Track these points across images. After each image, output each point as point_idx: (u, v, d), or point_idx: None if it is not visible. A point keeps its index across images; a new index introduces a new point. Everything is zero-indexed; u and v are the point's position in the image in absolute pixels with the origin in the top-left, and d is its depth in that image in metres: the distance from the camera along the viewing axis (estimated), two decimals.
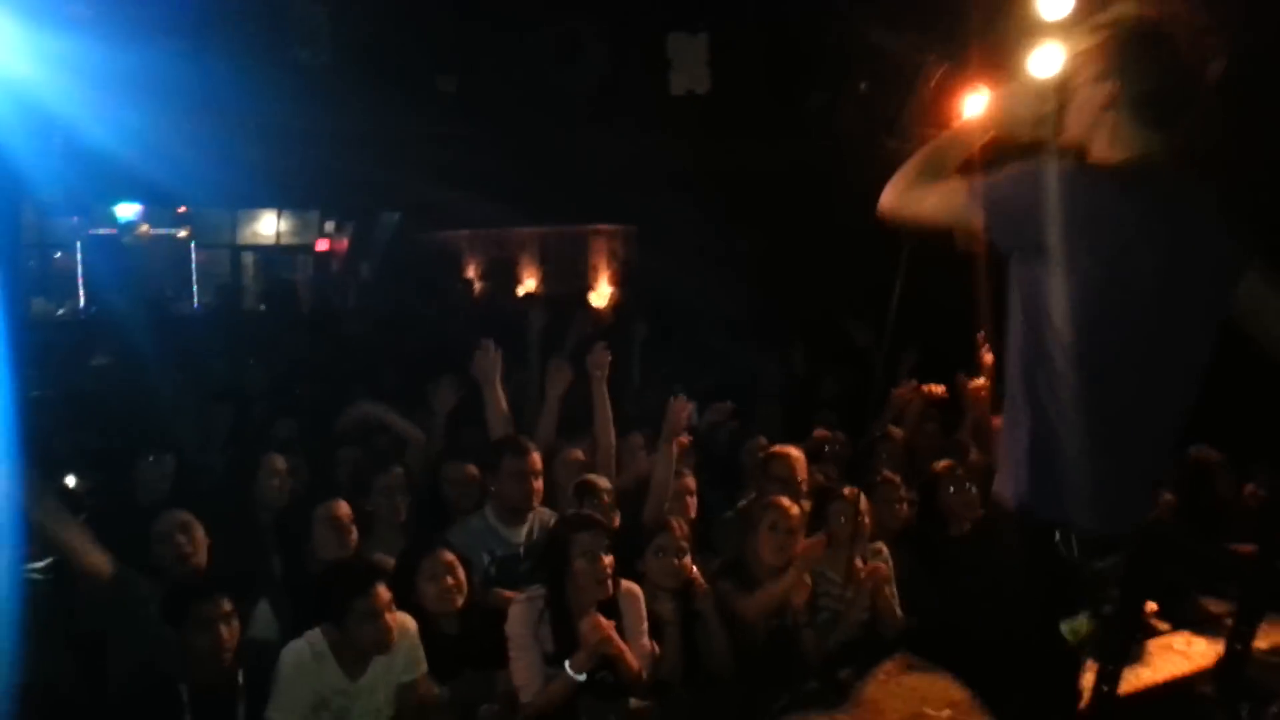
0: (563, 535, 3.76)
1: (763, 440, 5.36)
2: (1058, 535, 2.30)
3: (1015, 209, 2.20)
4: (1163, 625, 4.61)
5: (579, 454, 4.88)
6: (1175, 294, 2.19)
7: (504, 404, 4.82)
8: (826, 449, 5.55)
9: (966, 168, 2.42)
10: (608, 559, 3.68)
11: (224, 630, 3.30)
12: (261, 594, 3.83)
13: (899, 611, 4.48)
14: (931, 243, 2.52)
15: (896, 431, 5.72)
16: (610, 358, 4.91)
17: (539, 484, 4.42)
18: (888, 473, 5.02)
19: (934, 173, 2.38)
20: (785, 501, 4.27)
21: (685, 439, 4.83)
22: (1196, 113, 2.23)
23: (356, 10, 5.93)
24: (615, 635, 3.60)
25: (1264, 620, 3.97)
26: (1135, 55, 2.20)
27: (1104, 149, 2.26)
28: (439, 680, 3.68)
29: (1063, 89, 2.32)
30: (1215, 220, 2.25)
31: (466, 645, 3.78)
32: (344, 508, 4.10)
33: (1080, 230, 2.12)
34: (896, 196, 2.38)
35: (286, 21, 5.77)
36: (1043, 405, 2.26)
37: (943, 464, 5.11)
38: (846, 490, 4.55)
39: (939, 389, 5.91)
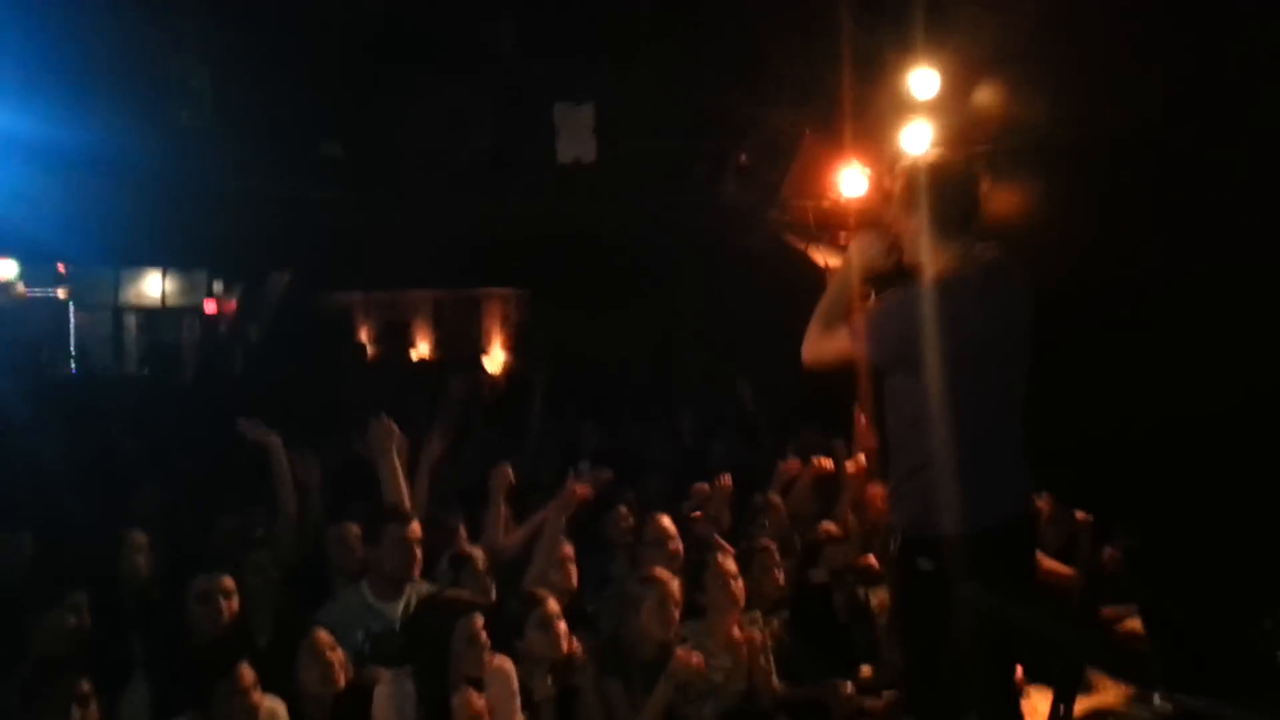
0: (438, 616, 3.73)
1: (623, 509, 5.37)
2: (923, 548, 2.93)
3: (884, 335, 2.95)
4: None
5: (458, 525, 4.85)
6: (1004, 344, 2.95)
7: (400, 478, 4.72)
8: (698, 512, 5.57)
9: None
10: (484, 636, 3.67)
11: (77, 712, 3.16)
12: (131, 673, 3.70)
13: (774, 680, 4.53)
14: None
15: (777, 500, 5.80)
16: (511, 477, 4.80)
17: (419, 554, 4.36)
18: (765, 540, 5.08)
19: (830, 322, 3.09)
20: (665, 574, 4.28)
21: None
22: (980, 217, 2.97)
23: (239, 74, 5.93)
24: (486, 714, 3.57)
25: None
26: (925, 190, 2.93)
27: (932, 261, 2.95)
28: None
29: (892, 230, 3.04)
30: (1023, 285, 3.01)
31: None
32: (217, 582, 3.99)
33: (944, 330, 2.85)
34: (811, 351, 3.12)
35: (168, 83, 5.74)
36: (917, 446, 2.95)
37: (826, 528, 5.25)
38: (718, 557, 4.60)
39: (827, 463, 6.03)
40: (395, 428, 4.63)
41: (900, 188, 3.02)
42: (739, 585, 4.50)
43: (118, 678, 3.62)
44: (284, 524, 4.72)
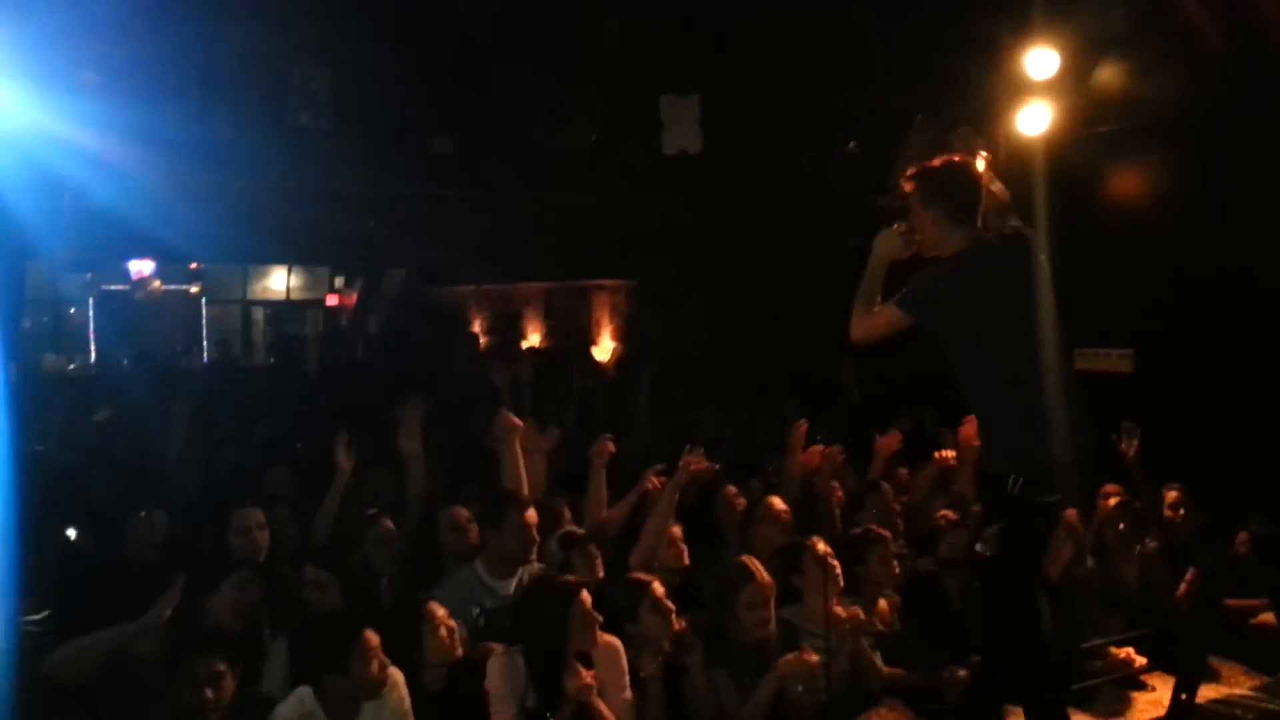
0: (547, 598, 3.81)
1: (731, 490, 5.41)
2: (1010, 480, 3.43)
3: (930, 299, 3.53)
4: (1137, 661, 4.62)
5: (563, 508, 4.96)
6: (1033, 298, 3.51)
7: (521, 466, 4.85)
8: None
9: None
10: (594, 615, 3.74)
11: (209, 691, 3.33)
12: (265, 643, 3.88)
13: (881, 664, 4.49)
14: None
15: (885, 485, 5.75)
16: (613, 450, 5.02)
17: (536, 537, 4.48)
18: (880, 529, 5.03)
19: (869, 303, 3.66)
20: (756, 565, 4.30)
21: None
22: (986, 207, 3.57)
23: (356, 76, 6.10)
24: (594, 687, 3.63)
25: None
26: (936, 188, 3.57)
27: (949, 247, 3.58)
28: None
29: (911, 227, 3.63)
30: (1034, 250, 3.61)
31: (452, 701, 3.80)
32: (255, 516, 4.24)
33: (972, 290, 3.48)
34: (860, 329, 3.67)
35: (288, 87, 5.95)
36: (987, 397, 3.55)
37: (945, 514, 5.20)
38: (812, 540, 4.57)
39: (949, 454, 5.94)
40: (518, 421, 4.78)
41: (913, 188, 3.61)
42: (836, 567, 4.47)
43: (253, 649, 3.77)
44: (414, 503, 4.86)
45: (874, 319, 3.63)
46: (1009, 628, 3.73)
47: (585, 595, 3.77)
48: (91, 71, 5.58)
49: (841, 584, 4.49)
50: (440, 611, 3.81)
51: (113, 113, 5.62)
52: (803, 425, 5.95)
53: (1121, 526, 5.31)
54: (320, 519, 4.78)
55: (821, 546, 4.50)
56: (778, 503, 5.15)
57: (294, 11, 5.95)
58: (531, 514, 4.42)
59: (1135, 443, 5.87)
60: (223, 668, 3.40)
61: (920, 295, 3.53)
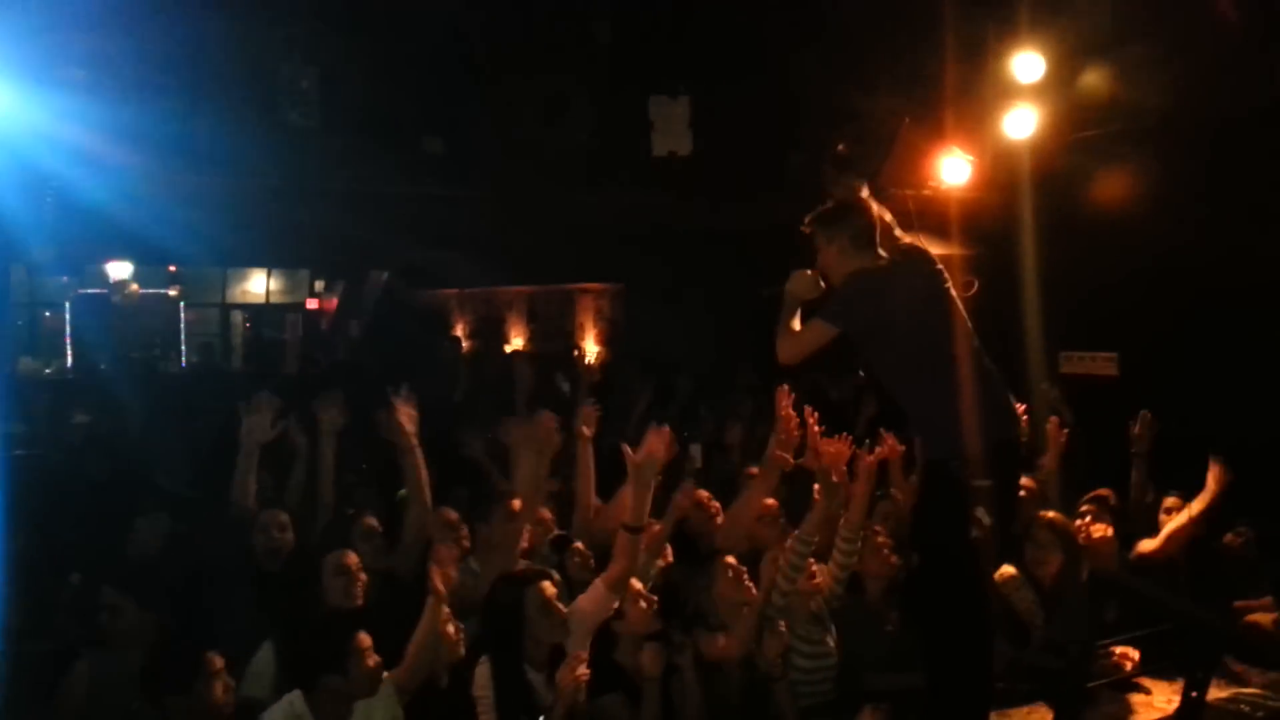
0: (510, 582, 3.83)
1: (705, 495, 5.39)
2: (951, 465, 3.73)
3: (847, 305, 3.84)
4: (1129, 663, 4.65)
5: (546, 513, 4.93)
6: (938, 298, 3.88)
7: (537, 470, 4.79)
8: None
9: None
10: (560, 606, 3.79)
11: (218, 686, 3.35)
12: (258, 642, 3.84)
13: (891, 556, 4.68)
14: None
15: (896, 493, 5.73)
16: (598, 415, 4.94)
17: (525, 529, 4.47)
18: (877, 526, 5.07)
19: (790, 326, 3.96)
20: (730, 559, 4.34)
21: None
22: (884, 235, 3.91)
23: (345, 74, 6.08)
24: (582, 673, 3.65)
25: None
26: (834, 223, 3.92)
27: (854, 267, 3.89)
28: None
29: (821, 266, 3.95)
30: (933, 266, 3.93)
31: (456, 701, 3.79)
32: (352, 557, 4.12)
33: (882, 294, 3.81)
34: (786, 353, 3.97)
35: (277, 84, 5.92)
36: (911, 392, 3.87)
37: None
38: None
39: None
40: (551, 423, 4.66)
41: (814, 229, 3.95)
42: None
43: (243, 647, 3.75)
44: (414, 491, 4.75)
45: (799, 337, 3.96)
46: (952, 637, 3.82)
47: (546, 585, 3.80)
48: (78, 68, 5.54)
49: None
50: (446, 610, 3.79)
51: (98, 110, 5.57)
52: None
53: (1089, 519, 5.29)
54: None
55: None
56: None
57: (283, 9, 5.92)
58: (518, 503, 4.39)
59: (1146, 434, 5.82)
60: (219, 665, 3.40)
61: (838, 305, 3.88)
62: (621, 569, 4.05)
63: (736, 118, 7.10)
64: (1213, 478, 5.34)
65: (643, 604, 4.05)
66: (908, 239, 4.01)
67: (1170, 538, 5.34)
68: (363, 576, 4.07)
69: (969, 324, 3.93)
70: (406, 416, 4.63)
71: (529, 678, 3.77)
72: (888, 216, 4.00)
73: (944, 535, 3.83)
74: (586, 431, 4.91)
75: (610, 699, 3.95)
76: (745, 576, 4.32)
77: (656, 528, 4.35)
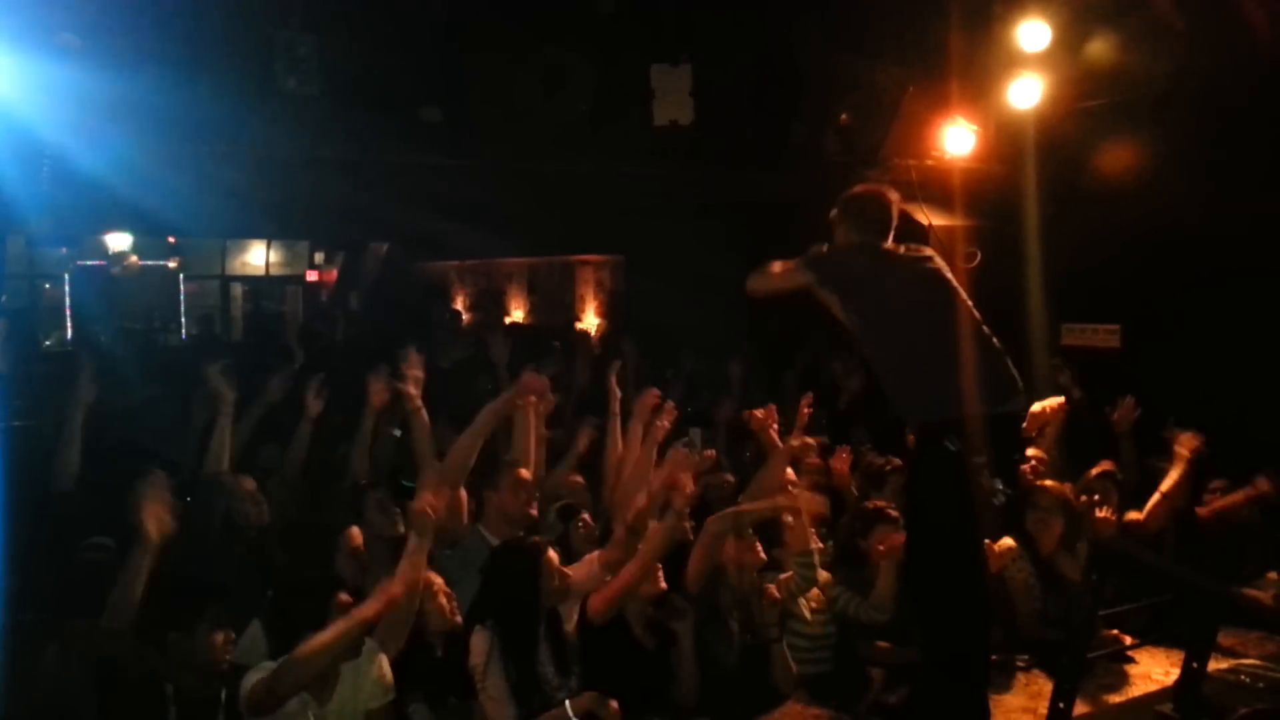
0: (519, 553, 3.84)
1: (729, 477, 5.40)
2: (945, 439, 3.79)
3: (826, 264, 4.02)
4: (1125, 639, 4.68)
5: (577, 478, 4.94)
6: (930, 281, 4.04)
7: (531, 434, 4.78)
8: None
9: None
10: (564, 570, 3.88)
11: (219, 633, 3.41)
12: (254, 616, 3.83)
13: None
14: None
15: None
16: (545, 384, 4.84)
17: (534, 494, 4.49)
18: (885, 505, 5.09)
19: (769, 265, 4.16)
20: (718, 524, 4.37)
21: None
22: (889, 222, 4.15)
23: (344, 40, 6.01)
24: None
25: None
26: (851, 209, 4.17)
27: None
28: (429, 707, 3.69)
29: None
30: (933, 260, 4.12)
31: (452, 671, 3.78)
32: (356, 535, 4.12)
33: (862, 270, 4.02)
34: (754, 283, 4.18)
35: (275, 51, 5.85)
36: (903, 367, 3.96)
37: None
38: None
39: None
40: (541, 382, 4.67)
41: (836, 214, 4.18)
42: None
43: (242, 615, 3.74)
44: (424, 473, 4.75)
45: (770, 272, 4.12)
46: (947, 611, 3.89)
47: (552, 552, 3.86)
48: (71, 34, 5.46)
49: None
50: (438, 580, 3.78)
51: (94, 79, 5.50)
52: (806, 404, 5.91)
53: (1096, 496, 5.30)
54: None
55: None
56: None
57: None
58: (526, 472, 4.41)
59: (1128, 415, 5.87)
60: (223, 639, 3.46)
61: (814, 255, 4.03)
62: (617, 557, 4.06)
63: (738, 87, 7.03)
64: (1181, 446, 5.38)
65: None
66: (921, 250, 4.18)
67: (1151, 512, 5.36)
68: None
69: (969, 302, 4.03)
70: (413, 380, 4.65)
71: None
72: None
73: (937, 511, 3.89)
74: (526, 401, 4.77)
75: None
76: (756, 542, 4.33)
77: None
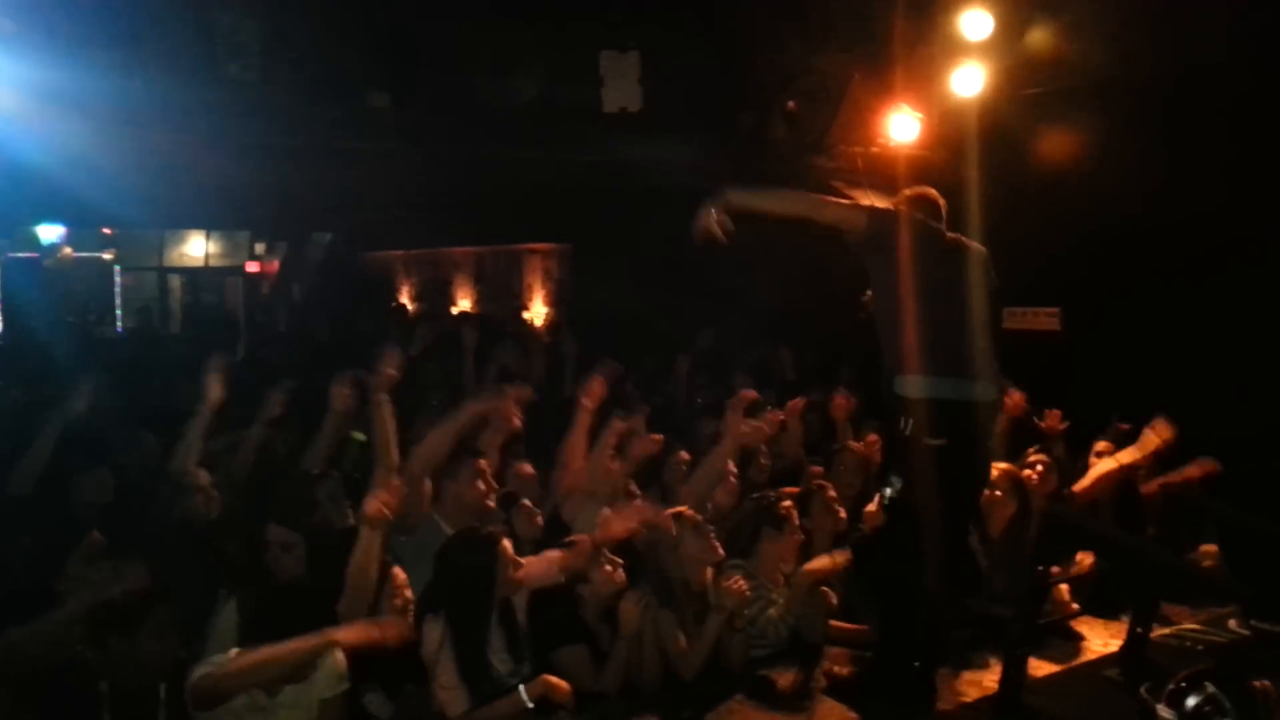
0: (474, 545, 3.84)
1: (682, 455, 5.43)
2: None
3: (887, 225, 4.13)
4: (1073, 606, 4.80)
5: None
6: (967, 276, 4.18)
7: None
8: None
9: None
10: (518, 559, 3.88)
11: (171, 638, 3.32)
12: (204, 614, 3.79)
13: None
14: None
15: (856, 445, 5.80)
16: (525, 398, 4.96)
17: (493, 486, 4.49)
18: (823, 482, 5.17)
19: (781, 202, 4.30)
20: (693, 514, 4.47)
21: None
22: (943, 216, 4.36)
23: (288, 25, 5.90)
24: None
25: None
26: (915, 203, 4.32)
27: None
28: (384, 695, 3.67)
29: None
30: (978, 249, 4.35)
31: (408, 661, 3.77)
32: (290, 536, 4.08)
33: (925, 242, 4.14)
34: (753, 202, 4.16)
35: (217, 35, 5.73)
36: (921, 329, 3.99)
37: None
38: (773, 495, 4.69)
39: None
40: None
41: (901, 202, 4.36)
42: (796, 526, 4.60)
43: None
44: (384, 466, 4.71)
45: (792, 198, 4.29)
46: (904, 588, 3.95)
47: (506, 543, 3.87)
48: (4, 18, 5.31)
49: (797, 542, 4.61)
50: (401, 577, 3.77)
51: (27, 62, 5.36)
52: (749, 394, 5.95)
53: (1039, 468, 5.43)
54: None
55: (784, 505, 4.61)
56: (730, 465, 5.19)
57: None
58: (485, 463, 4.41)
59: (1055, 427, 6.02)
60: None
61: (883, 216, 4.17)
62: (579, 566, 4.06)
63: (686, 74, 7.04)
64: (1156, 433, 5.48)
65: (609, 568, 4.06)
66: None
67: (1097, 481, 5.47)
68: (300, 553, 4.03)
69: (985, 301, 4.20)
70: (387, 379, 4.62)
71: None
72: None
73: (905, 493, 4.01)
74: (588, 404, 4.96)
75: (570, 651, 3.96)
76: (712, 535, 4.36)
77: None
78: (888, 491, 4.23)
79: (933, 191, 4.43)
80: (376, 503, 3.58)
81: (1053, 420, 6.02)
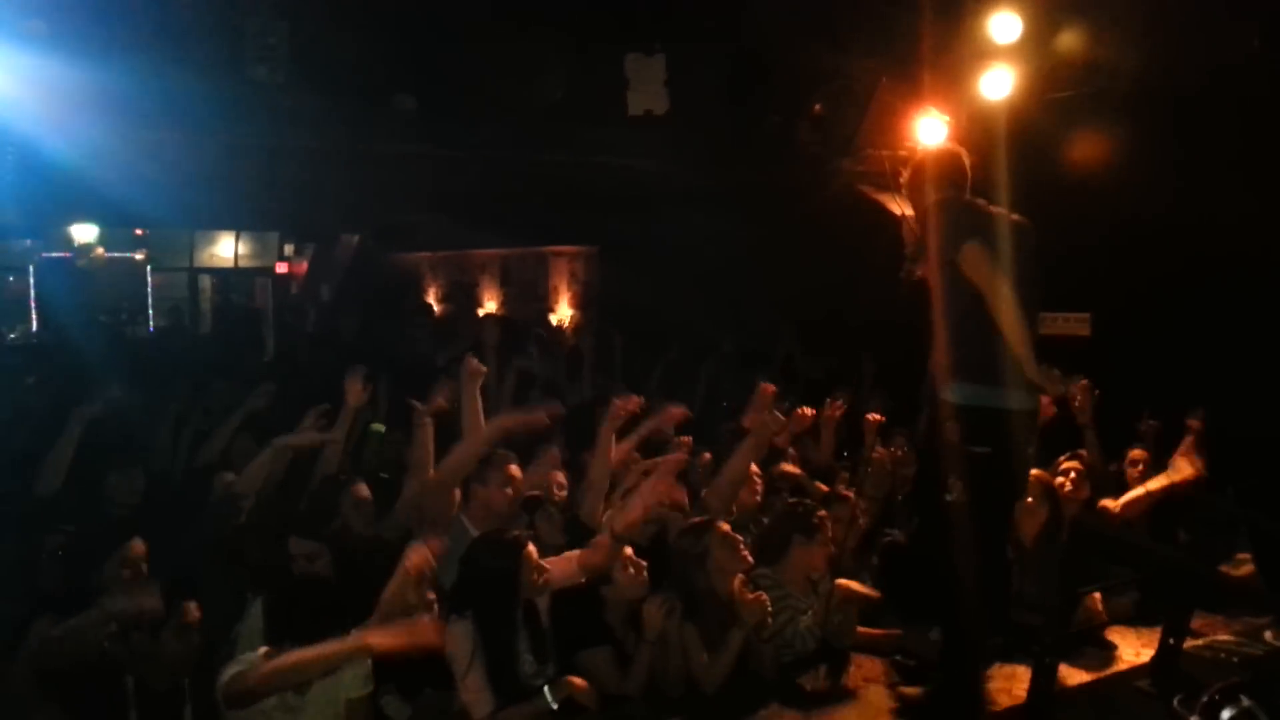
0: (500, 549, 3.82)
1: (706, 456, 5.41)
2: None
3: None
4: (1101, 617, 4.74)
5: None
6: (1023, 260, 4.03)
7: (479, 413, 4.76)
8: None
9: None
10: (542, 564, 3.85)
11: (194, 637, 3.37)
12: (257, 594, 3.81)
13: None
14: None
15: (882, 452, 5.75)
16: (484, 370, 4.82)
17: (521, 491, 4.49)
18: (843, 490, 5.15)
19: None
20: (724, 526, 4.42)
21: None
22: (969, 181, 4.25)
23: (315, 28, 5.95)
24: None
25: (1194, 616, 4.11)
26: (937, 165, 4.28)
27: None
28: (402, 697, 3.67)
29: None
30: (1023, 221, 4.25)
31: (428, 662, 3.77)
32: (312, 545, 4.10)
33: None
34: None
35: (245, 38, 5.78)
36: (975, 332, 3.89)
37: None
38: (808, 503, 4.67)
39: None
40: (481, 367, 4.69)
41: (918, 166, 4.33)
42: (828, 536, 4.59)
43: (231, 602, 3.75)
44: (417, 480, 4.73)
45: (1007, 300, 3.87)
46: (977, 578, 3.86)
47: (531, 547, 3.84)
48: (39, 20, 5.38)
49: (827, 551, 4.58)
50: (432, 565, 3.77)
51: (60, 65, 5.42)
52: (769, 388, 5.92)
53: (1072, 475, 5.36)
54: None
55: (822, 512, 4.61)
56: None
57: None
58: (516, 469, 4.40)
59: (1086, 402, 5.91)
60: (196, 614, 3.47)
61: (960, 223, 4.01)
62: (598, 562, 4.04)
63: (713, 77, 7.03)
64: (1188, 463, 5.40)
65: (632, 570, 4.04)
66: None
67: (1128, 506, 5.42)
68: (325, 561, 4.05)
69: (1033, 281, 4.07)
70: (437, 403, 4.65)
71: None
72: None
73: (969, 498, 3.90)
74: (610, 427, 4.80)
75: (594, 653, 3.96)
76: (741, 545, 4.32)
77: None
78: (948, 497, 4.02)
79: (946, 149, 4.41)
80: (413, 562, 3.54)
81: (1083, 398, 5.85)
